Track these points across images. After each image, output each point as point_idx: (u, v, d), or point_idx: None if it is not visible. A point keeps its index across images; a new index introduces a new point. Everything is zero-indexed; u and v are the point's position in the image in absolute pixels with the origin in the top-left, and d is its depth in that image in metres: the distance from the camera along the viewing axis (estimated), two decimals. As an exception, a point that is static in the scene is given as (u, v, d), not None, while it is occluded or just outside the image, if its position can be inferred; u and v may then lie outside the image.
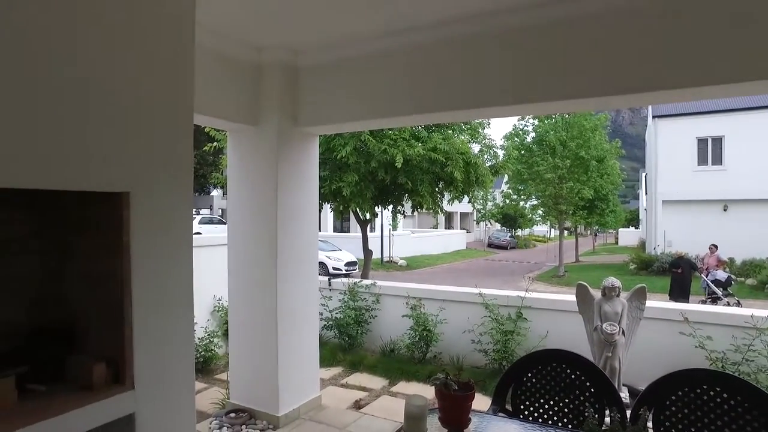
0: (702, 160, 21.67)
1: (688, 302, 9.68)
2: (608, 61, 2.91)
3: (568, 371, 2.63)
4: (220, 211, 33.40)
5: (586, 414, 2.46)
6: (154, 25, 1.82)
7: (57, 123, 1.54)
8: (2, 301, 1.74)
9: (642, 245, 27.60)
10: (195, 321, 2.01)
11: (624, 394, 4.38)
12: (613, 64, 2.90)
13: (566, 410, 2.59)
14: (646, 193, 28.77)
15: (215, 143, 9.45)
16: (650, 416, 2.33)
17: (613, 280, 4.57)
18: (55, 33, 1.54)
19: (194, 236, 2.05)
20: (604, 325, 4.38)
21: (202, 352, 5.45)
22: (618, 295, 4.52)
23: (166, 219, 1.85)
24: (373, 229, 20.28)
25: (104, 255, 1.74)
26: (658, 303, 5.31)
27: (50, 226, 1.85)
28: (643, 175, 34.09)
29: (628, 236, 40.88)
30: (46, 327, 1.83)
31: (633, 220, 46.97)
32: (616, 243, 43.40)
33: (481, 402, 3.78)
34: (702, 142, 21.68)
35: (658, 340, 4.73)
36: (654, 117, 23.24)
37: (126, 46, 1.73)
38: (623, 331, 4.37)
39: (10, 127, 1.44)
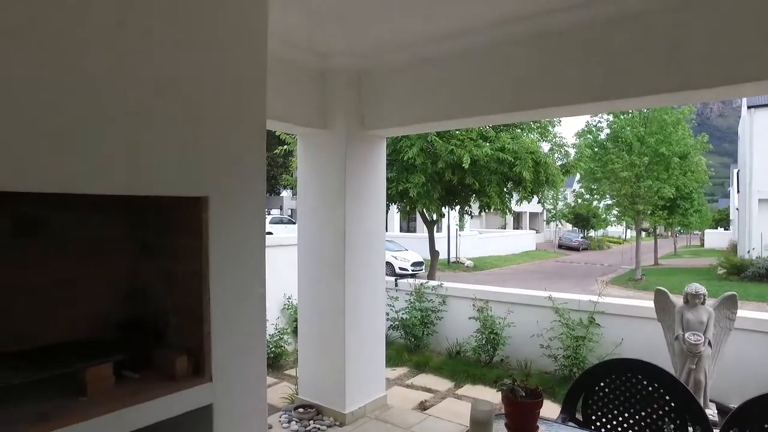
0: (809, 153, 19.58)
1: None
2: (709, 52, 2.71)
3: (645, 383, 2.48)
4: (290, 211, 34.63)
5: (665, 430, 2.31)
6: (232, 38, 1.93)
7: (147, 133, 1.68)
8: (102, 296, 1.93)
9: (733, 248, 25.30)
10: (266, 318, 2.10)
11: (711, 411, 4.06)
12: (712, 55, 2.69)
13: (642, 424, 2.44)
14: (738, 191, 26.37)
15: (285, 146, 9.81)
16: (742, 438, 2.14)
17: (696, 287, 4.25)
18: (158, 60, 1.67)
19: (266, 236, 2.15)
20: (687, 335, 4.09)
21: (273, 349, 5.67)
22: (703, 303, 4.20)
23: (240, 221, 1.96)
24: (439, 230, 20.17)
25: (185, 255, 1.87)
26: (752, 313, 4.86)
27: (138, 228, 2.01)
28: (735, 171, 31.29)
29: (715, 238, 37.63)
30: (136, 320, 2.00)
31: (722, 221, 43.27)
32: (702, 245, 40.15)
33: (550, 409, 3.66)
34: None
35: (753, 354, 4.33)
36: (749, 107, 21.25)
37: (209, 60, 1.85)
38: (709, 342, 4.06)
39: (117, 142, 1.60)
